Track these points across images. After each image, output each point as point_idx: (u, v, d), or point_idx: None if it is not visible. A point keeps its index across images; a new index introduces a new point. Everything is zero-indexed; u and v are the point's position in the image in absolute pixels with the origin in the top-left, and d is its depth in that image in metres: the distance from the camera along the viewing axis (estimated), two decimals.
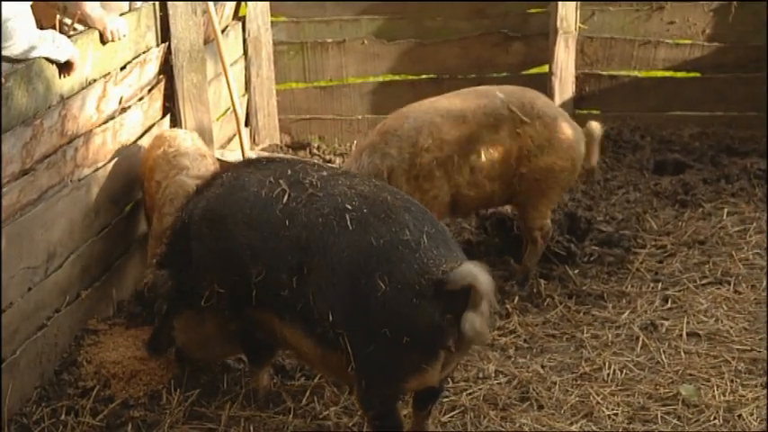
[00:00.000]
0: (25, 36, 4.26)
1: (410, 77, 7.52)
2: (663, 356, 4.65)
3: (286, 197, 3.87)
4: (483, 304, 3.47)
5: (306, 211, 3.80)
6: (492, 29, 7.32)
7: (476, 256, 5.33)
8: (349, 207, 3.76)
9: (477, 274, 3.46)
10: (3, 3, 4.19)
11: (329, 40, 7.34)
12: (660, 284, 5.34)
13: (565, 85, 7.18)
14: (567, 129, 5.24)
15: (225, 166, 4.47)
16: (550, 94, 7.13)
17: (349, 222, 3.72)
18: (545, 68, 7.28)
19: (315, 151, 7.19)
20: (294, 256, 3.76)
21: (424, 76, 7.47)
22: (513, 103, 5.13)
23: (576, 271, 5.45)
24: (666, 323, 4.93)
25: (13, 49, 4.23)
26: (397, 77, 7.55)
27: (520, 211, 5.39)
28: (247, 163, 4.35)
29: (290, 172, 3.98)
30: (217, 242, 4.02)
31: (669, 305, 5.14)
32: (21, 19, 4.27)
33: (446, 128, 5.05)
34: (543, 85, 7.17)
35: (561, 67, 7.15)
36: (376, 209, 3.75)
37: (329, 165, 4.79)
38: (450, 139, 5.03)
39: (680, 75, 7.36)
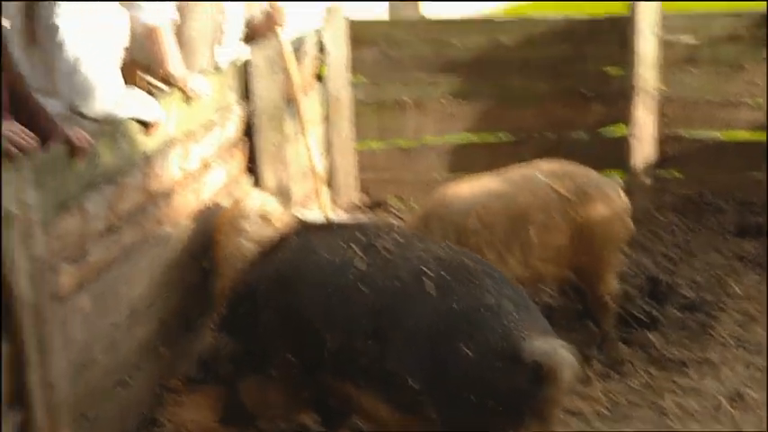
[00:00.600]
0: (112, 95, 4.34)
1: (488, 139, 7.50)
2: (749, 427, 4.53)
3: (360, 262, 3.85)
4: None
5: (382, 276, 3.78)
6: (570, 89, 7.27)
7: (555, 320, 5.23)
8: (426, 271, 3.73)
9: (555, 353, 3.43)
10: (89, 61, 4.28)
11: (407, 100, 7.36)
12: (744, 351, 5.22)
13: (644, 147, 7.10)
14: (613, 195, 5.15)
15: (293, 229, 4.46)
16: (629, 156, 7.08)
17: (428, 286, 3.69)
18: (624, 129, 7.22)
19: (392, 210, 7.20)
20: (371, 321, 3.73)
21: (501, 137, 7.45)
22: (555, 183, 5.05)
23: (658, 336, 5.35)
24: (752, 392, 4.80)
25: (98, 108, 4.31)
26: (474, 138, 7.53)
27: (585, 284, 5.30)
28: (317, 227, 4.34)
29: (361, 236, 3.97)
30: (287, 308, 3.99)
31: (754, 373, 5.01)
32: (108, 78, 4.36)
33: (494, 209, 4.96)
34: (622, 146, 7.13)
35: (641, 128, 7.08)
36: (455, 272, 3.72)
37: (401, 226, 4.77)
38: (500, 220, 4.94)
39: (762, 136, 7.24)
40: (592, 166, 5.39)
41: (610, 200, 5.12)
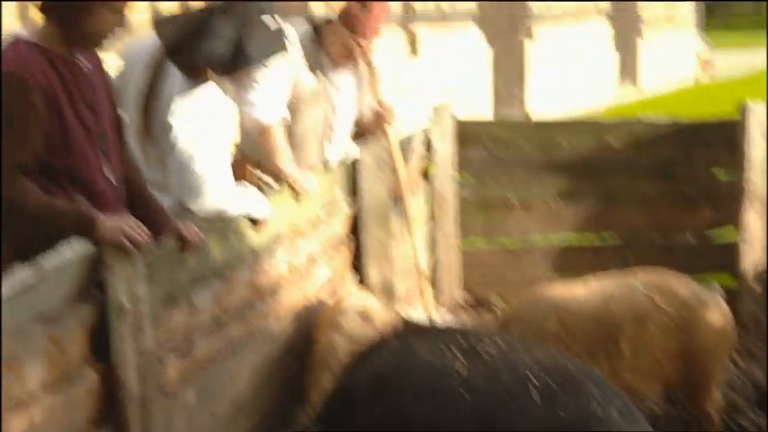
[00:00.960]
0: (221, 193, 4.43)
1: (593, 240, 7.45)
2: None
3: (461, 366, 3.81)
4: None
5: (483, 381, 3.73)
6: (678, 191, 7.20)
7: (660, 428, 5.15)
8: (530, 376, 3.66)
9: None
10: (200, 159, 4.38)
11: (513, 199, 7.35)
12: None
13: (755, 252, 6.97)
14: (715, 307, 5.02)
15: (393, 330, 4.46)
16: (739, 261, 6.96)
17: (532, 393, 3.63)
18: (733, 233, 7.10)
19: (495, 310, 7.14)
20: (472, 428, 3.68)
21: (607, 239, 7.38)
22: (654, 294, 4.95)
23: None
24: None
25: (208, 205, 4.40)
26: (579, 239, 7.48)
27: (686, 397, 5.18)
28: (417, 329, 4.32)
29: (462, 340, 3.92)
30: (386, 411, 3.91)
31: None
32: (218, 176, 4.45)
33: (580, 315, 4.89)
34: (731, 250, 7.01)
35: (751, 234, 6.96)
36: (559, 378, 3.65)
37: (502, 330, 4.74)
38: (585, 326, 4.86)
39: None
40: (700, 269, 5.33)
41: (712, 313, 4.99)
